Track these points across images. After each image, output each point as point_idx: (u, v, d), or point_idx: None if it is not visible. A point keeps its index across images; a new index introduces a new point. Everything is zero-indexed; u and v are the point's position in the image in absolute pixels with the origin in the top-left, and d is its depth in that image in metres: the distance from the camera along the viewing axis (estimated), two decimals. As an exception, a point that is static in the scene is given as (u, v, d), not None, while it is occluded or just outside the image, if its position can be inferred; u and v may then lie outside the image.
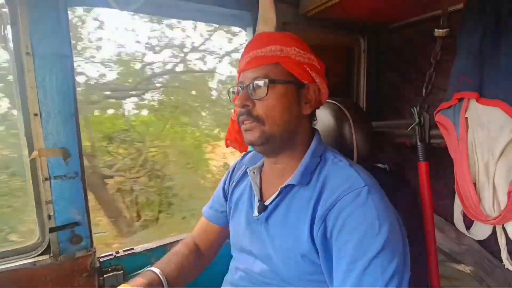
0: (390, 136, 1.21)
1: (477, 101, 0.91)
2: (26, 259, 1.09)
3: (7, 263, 1.06)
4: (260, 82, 0.76)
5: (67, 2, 1.07)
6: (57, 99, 1.07)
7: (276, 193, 0.82)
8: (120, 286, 0.82)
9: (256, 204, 0.87)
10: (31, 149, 1.07)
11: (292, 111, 0.79)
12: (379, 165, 1.91)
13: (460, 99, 0.94)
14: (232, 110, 1.04)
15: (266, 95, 0.76)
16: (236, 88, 0.84)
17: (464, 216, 1.01)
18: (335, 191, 0.72)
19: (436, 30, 1.03)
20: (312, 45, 1.70)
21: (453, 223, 1.56)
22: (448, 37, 1.04)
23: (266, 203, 0.84)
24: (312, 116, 0.87)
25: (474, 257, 1.34)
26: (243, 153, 1.10)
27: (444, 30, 1.01)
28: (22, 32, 1.01)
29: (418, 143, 1.06)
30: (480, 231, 0.98)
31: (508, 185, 0.84)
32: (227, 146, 1.18)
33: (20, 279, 1.07)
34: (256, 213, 0.86)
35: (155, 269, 0.89)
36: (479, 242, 1.44)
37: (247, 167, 0.92)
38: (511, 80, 0.85)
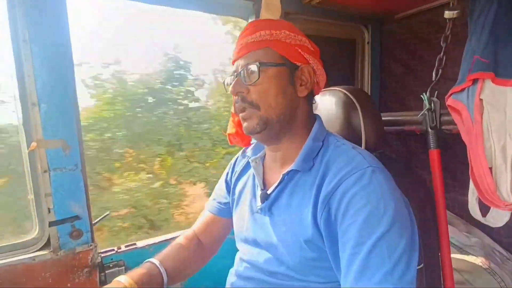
0: (399, 124, 1.18)
1: (492, 81, 0.87)
2: (25, 254, 1.07)
3: (6, 258, 1.03)
4: (252, 67, 0.76)
5: None
6: (56, 88, 1.04)
7: (278, 180, 0.80)
8: (118, 277, 0.81)
9: (259, 193, 0.85)
10: (29, 140, 1.05)
11: (286, 93, 0.78)
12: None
13: (474, 81, 0.91)
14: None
15: (258, 79, 0.75)
16: (227, 78, 0.85)
17: (479, 203, 0.98)
18: (338, 174, 0.70)
19: (446, 12, 1.00)
20: (315, 36, 1.67)
21: (462, 216, 1.54)
22: (458, 20, 1.00)
23: (269, 191, 0.83)
24: (311, 100, 0.85)
25: (484, 249, 1.30)
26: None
27: (455, 11, 0.98)
28: (19, 19, 0.99)
29: (429, 130, 1.03)
30: (497, 218, 0.95)
31: (527, 168, 0.81)
32: (231, 143, 1.14)
33: (19, 274, 1.04)
34: (259, 202, 0.84)
35: (154, 260, 0.88)
36: (490, 234, 1.42)
37: (250, 158, 0.91)
38: None
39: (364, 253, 0.61)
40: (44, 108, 1.03)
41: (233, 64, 0.83)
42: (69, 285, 1.10)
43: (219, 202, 1.03)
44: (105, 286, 0.79)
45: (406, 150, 1.81)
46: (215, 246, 1.06)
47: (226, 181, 1.03)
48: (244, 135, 1.06)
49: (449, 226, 1.44)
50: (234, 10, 1.45)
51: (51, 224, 1.08)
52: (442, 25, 1.06)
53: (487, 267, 1.22)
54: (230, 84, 0.81)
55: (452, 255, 1.29)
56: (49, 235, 1.08)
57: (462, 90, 0.94)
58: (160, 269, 0.86)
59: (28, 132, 1.04)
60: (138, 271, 0.83)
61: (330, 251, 0.70)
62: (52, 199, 1.07)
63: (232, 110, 1.07)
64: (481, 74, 0.88)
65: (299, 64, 0.79)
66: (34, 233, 1.10)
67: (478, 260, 1.25)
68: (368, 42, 1.86)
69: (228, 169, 1.04)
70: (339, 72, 1.84)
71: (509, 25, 0.86)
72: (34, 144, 1.03)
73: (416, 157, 1.70)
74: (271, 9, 1.26)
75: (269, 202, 0.81)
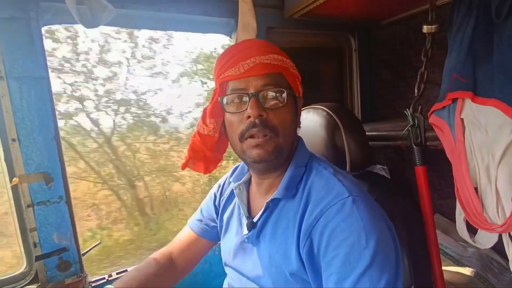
0: (384, 140, 1.16)
1: (472, 100, 0.85)
2: None
3: None
4: (279, 92, 0.72)
5: (40, 21, 1.04)
6: (36, 122, 1.04)
7: (263, 208, 0.78)
8: None
9: (245, 221, 0.83)
10: (12, 175, 1.04)
11: (294, 122, 0.78)
12: (378, 166, 1.87)
13: (454, 100, 0.89)
14: (202, 124, 0.85)
15: (284, 105, 0.73)
16: (229, 96, 0.74)
17: (467, 223, 0.95)
18: (319, 204, 0.68)
19: (424, 26, 0.98)
20: (300, 47, 1.65)
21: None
22: (439, 32, 0.98)
23: (255, 219, 0.81)
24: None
25: (482, 260, 1.28)
26: (232, 167, 1.03)
27: (434, 26, 0.96)
28: None
29: (414, 147, 1.00)
30: (486, 240, 0.92)
31: (512, 190, 0.79)
32: (184, 167, 0.94)
33: (8, 310, 1.03)
34: (245, 230, 0.82)
35: (111, 287, 0.85)
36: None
37: (233, 185, 0.88)
38: (506, 76, 0.79)
39: None
40: (24, 143, 1.02)
41: (230, 80, 0.74)
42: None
43: (206, 225, 1.00)
44: None
45: (400, 159, 1.79)
46: (190, 267, 1.03)
47: (214, 205, 1.00)
48: (211, 161, 0.93)
49: (445, 235, 1.42)
50: (218, 28, 1.44)
51: (37, 258, 1.07)
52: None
53: (484, 279, 1.19)
54: (238, 104, 0.74)
55: (448, 268, 1.27)
56: (36, 270, 1.08)
57: (443, 108, 0.91)
58: None
59: (10, 167, 1.04)
60: None
61: (315, 284, 0.69)
62: (37, 234, 1.06)
63: (204, 131, 0.85)
64: (460, 93, 0.85)
65: (297, 95, 0.79)
66: (22, 268, 1.09)
67: (474, 272, 1.22)
68: (355, 50, 1.84)
69: (216, 191, 1.01)
70: (328, 81, 1.83)
71: (487, 42, 0.83)
72: (15, 179, 1.02)
73: (411, 166, 1.68)
74: (248, 29, 1.25)
75: (256, 230, 0.79)
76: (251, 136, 0.72)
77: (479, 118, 0.84)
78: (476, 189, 0.88)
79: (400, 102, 1.77)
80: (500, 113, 0.79)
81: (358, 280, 0.60)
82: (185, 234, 1.03)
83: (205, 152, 0.88)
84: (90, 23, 0.97)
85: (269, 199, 0.77)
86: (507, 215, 0.81)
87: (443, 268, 1.22)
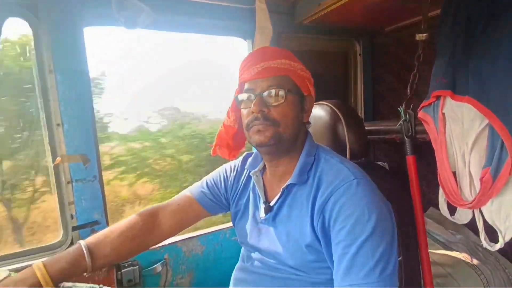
0: (381, 133, 1.30)
1: (451, 98, 1.00)
2: (51, 255, 1.21)
3: (34, 259, 1.17)
4: (280, 91, 0.85)
5: (83, 23, 1.20)
6: (77, 110, 1.20)
7: (279, 193, 0.90)
8: (35, 264, 0.82)
9: (262, 205, 0.94)
10: (54, 156, 1.20)
11: (298, 118, 0.89)
12: (379, 163, 2.00)
13: (438, 97, 1.03)
14: (226, 116, 1.05)
15: (283, 102, 0.84)
16: (242, 95, 0.89)
17: (448, 203, 1.10)
18: (329, 186, 0.81)
19: (417, 34, 1.13)
20: (309, 51, 1.79)
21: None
22: (430, 40, 1.13)
23: (271, 204, 0.92)
24: (308, 124, 0.96)
25: (468, 246, 1.40)
26: (241, 156, 1.10)
27: (424, 34, 1.11)
28: (45, 52, 1.14)
29: (405, 138, 1.15)
30: (462, 216, 1.07)
31: (481, 172, 0.93)
32: (214, 153, 1.14)
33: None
34: (263, 213, 0.93)
35: (82, 242, 0.89)
36: (475, 232, 1.51)
37: (249, 171, 0.99)
38: (479, 79, 0.94)
39: (352, 253, 0.73)
40: (66, 128, 1.18)
41: (242, 82, 0.90)
42: (90, 282, 1.24)
43: (207, 196, 1.04)
44: (17, 274, 0.80)
45: (397, 156, 1.91)
46: (179, 227, 1.04)
47: (225, 184, 1.05)
48: (233, 148, 1.09)
49: (437, 224, 1.55)
50: (233, 31, 1.59)
51: (74, 228, 1.23)
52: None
53: (469, 261, 1.32)
54: (247, 101, 0.88)
55: (436, 251, 1.40)
56: (72, 238, 1.23)
57: (430, 104, 1.06)
58: (85, 251, 0.87)
59: (53, 148, 1.20)
60: (60, 257, 0.86)
61: (327, 253, 0.81)
62: (74, 207, 1.22)
63: (227, 122, 1.05)
64: (442, 92, 1.01)
65: (306, 94, 0.91)
66: (59, 237, 1.25)
67: (461, 255, 1.35)
68: (360, 54, 1.97)
69: (230, 172, 1.07)
70: (334, 83, 1.96)
71: (465, 50, 0.98)
72: (58, 159, 1.18)
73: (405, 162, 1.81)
74: (264, 31, 1.40)
75: (273, 213, 0.91)
76: (255, 125, 0.86)
77: (457, 113, 0.99)
78: (454, 173, 1.02)
79: (401, 103, 1.89)
80: (472, 108, 0.94)
81: (361, 246, 0.73)
82: (184, 198, 1.06)
83: (228, 140, 1.05)
84: (130, 25, 1.12)
85: (285, 185, 0.88)
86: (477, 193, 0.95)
87: (433, 251, 1.36)
